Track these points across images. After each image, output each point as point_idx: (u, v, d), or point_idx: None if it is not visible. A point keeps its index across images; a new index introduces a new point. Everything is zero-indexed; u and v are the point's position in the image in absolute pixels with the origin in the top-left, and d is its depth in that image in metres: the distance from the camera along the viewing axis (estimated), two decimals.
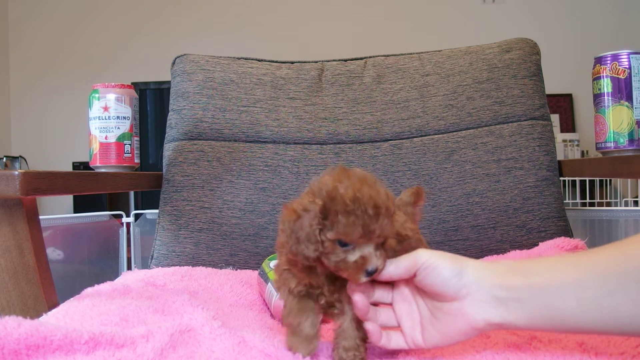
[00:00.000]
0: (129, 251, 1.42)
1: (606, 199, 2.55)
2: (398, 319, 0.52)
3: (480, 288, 0.47)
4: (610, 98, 0.93)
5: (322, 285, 0.52)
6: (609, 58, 0.93)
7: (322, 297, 0.52)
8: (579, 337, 0.55)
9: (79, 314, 0.64)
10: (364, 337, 0.52)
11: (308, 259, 0.48)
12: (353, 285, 0.50)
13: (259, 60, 1.17)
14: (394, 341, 0.51)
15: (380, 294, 0.53)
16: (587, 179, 2.39)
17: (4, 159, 2.84)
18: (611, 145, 0.93)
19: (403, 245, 0.56)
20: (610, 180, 2.56)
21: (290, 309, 0.53)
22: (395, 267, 0.50)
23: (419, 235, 0.66)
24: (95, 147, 1.02)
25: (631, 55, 0.92)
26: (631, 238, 0.46)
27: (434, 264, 0.48)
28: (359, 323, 0.51)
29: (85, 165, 2.77)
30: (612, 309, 0.43)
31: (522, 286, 0.46)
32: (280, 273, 0.54)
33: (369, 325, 0.50)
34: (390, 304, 0.53)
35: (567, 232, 1.05)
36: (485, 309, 0.47)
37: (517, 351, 0.53)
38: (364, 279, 0.48)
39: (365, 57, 1.19)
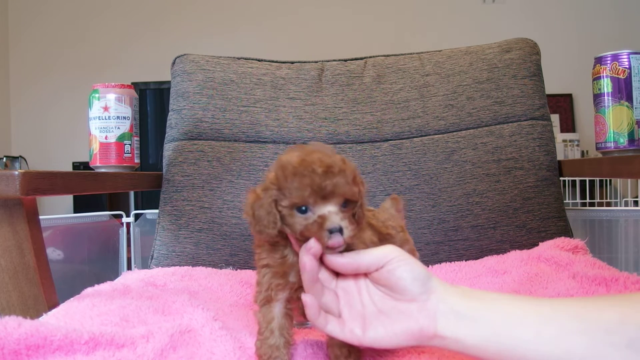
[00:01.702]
0: (129, 251, 1.42)
1: (606, 199, 2.55)
2: (340, 307, 0.50)
3: (442, 298, 0.47)
4: (610, 98, 0.93)
5: (297, 275, 0.51)
6: (609, 58, 0.93)
7: (300, 289, 0.51)
8: None
9: (79, 314, 0.64)
10: None
11: (271, 235, 0.48)
12: (303, 255, 0.48)
13: (259, 60, 1.17)
14: (331, 325, 0.49)
15: (326, 277, 0.51)
16: (587, 179, 2.38)
17: (4, 159, 2.84)
18: (611, 145, 0.93)
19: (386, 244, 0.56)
20: (610, 180, 2.56)
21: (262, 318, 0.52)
22: (364, 255, 0.49)
23: (406, 235, 0.66)
24: (95, 147, 1.02)
25: (631, 55, 0.92)
26: (606, 297, 0.47)
27: (407, 260, 0.48)
28: None
29: (85, 165, 2.77)
30: (568, 349, 0.43)
31: (484, 308, 0.46)
32: (258, 271, 0.53)
33: (306, 298, 0.48)
34: (333, 290, 0.51)
35: (567, 232, 1.05)
36: (440, 318, 0.46)
37: None
38: (327, 239, 0.46)
39: (365, 57, 1.19)
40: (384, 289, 0.49)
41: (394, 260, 0.48)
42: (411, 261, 0.48)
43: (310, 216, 0.47)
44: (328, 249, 0.47)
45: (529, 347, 0.44)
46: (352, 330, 0.49)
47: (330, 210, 0.47)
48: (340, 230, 0.46)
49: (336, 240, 0.46)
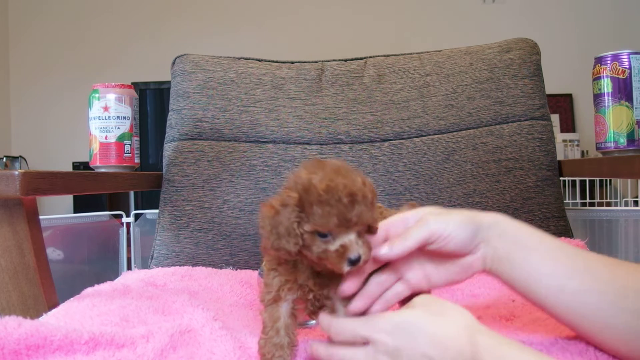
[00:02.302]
0: (129, 251, 1.42)
1: (606, 199, 2.55)
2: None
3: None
4: (610, 98, 0.93)
5: (308, 280, 0.51)
6: (609, 58, 0.93)
7: (310, 292, 0.52)
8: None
9: (79, 314, 0.64)
10: None
11: (290, 253, 0.48)
12: (344, 282, 0.51)
13: (259, 60, 1.17)
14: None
15: (385, 278, 0.54)
16: (587, 179, 2.38)
17: (4, 159, 2.84)
18: (611, 145, 0.93)
19: None
20: (610, 180, 2.56)
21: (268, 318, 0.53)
22: (405, 241, 0.50)
23: None
24: (95, 147, 1.02)
25: (631, 55, 0.92)
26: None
27: (451, 233, 0.50)
28: None
29: (85, 165, 2.77)
30: (582, 300, 0.49)
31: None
32: (267, 274, 0.53)
33: (355, 307, 0.52)
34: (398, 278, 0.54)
35: (567, 232, 1.05)
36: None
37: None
38: (346, 267, 0.48)
39: (365, 57, 1.19)
40: (434, 255, 0.53)
41: (439, 239, 0.50)
42: (452, 230, 0.50)
43: (330, 241, 0.48)
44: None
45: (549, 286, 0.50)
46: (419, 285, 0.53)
47: (351, 239, 0.48)
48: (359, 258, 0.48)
49: (354, 268, 0.49)
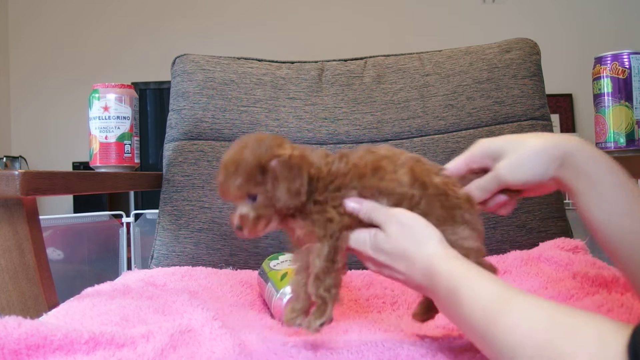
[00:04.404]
0: (129, 251, 1.42)
1: None
2: None
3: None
4: (610, 98, 0.93)
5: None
6: (609, 58, 0.93)
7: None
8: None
9: (79, 314, 0.64)
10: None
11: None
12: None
13: (259, 60, 1.17)
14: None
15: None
16: None
17: (4, 159, 2.84)
18: (611, 145, 0.93)
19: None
20: None
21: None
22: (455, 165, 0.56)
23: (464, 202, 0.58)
24: (95, 147, 1.02)
25: (631, 55, 0.92)
26: None
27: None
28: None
29: (85, 165, 2.77)
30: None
31: None
32: None
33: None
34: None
35: (567, 232, 1.05)
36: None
37: None
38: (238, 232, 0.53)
39: (365, 57, 1.19)
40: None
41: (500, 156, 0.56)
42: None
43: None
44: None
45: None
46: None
47: (237, 210, 0.52)
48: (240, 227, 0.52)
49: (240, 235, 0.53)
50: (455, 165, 0.58)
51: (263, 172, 0.50)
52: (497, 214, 0.59)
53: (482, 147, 0.57)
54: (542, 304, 0.42)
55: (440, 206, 0.54)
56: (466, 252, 0.52)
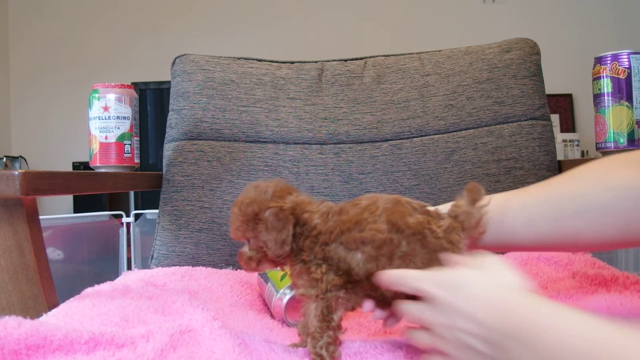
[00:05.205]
0: (129, 251, 1.42)
1: None
2: None
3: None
4: (610, 98, 0.93)
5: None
6: (609, 58, 0.93)
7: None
8: None
9: (79, 314, 0.64)
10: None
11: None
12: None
13: (259, 60, 1.17)
14: None
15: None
16: None
17: (4, 159, 2.84)
18: (611, 145, 0.93)
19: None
20: None
21: None
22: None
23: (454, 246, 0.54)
24: (95, 147, 1.02)
25: (631, 55, 0.92)
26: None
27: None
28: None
29: (85, 165, 2.77)
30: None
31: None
32: None
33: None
34: None
35: None
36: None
37: None
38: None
39: (365, 57, 1.19)
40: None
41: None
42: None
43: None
44: None
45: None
46: None
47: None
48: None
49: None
50: None
51: (258, 219, 0.55)
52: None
53: None
54: None
55: (421, 246, 0.52)
56: None
